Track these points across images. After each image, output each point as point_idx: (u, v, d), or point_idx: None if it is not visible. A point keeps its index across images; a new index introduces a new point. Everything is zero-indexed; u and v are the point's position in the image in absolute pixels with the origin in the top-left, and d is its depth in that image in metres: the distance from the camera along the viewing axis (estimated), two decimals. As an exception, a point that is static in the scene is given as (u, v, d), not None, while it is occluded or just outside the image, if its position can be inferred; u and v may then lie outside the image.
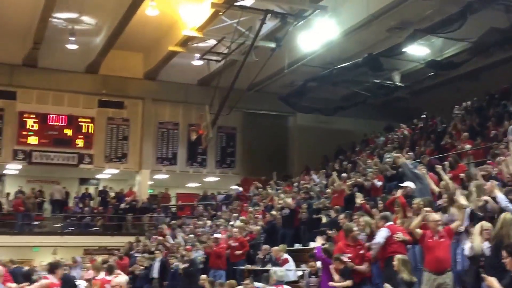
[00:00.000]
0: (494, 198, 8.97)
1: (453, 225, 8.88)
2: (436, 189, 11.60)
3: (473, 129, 17.28)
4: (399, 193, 11.12)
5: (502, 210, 8.47)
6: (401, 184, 11.79)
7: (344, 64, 20.16)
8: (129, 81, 26.66)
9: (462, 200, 8.98)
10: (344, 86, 23.08)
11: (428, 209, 9.08)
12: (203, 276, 13.53)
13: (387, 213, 10.50)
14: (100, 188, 28.13)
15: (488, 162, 13.05)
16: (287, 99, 24.40)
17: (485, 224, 8.13)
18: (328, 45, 19.09)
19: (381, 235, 9.60)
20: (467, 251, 8.18)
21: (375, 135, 23.93)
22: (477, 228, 8.17)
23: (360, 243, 10.39)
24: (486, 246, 7.84)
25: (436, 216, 8.93)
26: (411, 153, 16.51)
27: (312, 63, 20.94)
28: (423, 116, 22.80)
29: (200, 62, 22.95)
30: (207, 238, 16.89)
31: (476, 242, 7.96)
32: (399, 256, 8.82)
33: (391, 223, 9.85)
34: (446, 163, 13.76)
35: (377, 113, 27.10)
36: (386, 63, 20.31)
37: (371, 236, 10.49)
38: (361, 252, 10.21)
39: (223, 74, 21.74)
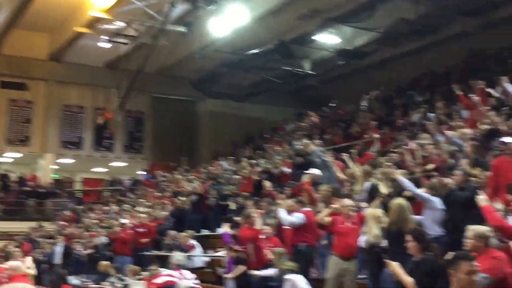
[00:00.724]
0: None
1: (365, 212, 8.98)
2: (342, 176, 11.73)
3: (380, 119, 17.66)
4: (305, 180, 11.17)
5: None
6: (306, 171, 11.85)
7: (255, 51, 20.10)
8: (33, 62, 25.51)
9: (382, 188, 9.09)
10: (255, 73, 23.04)
11: (336, 206, 9.17)
12: (104, 263, 13.22)
13: (302, 198, 10.51)
14: (1, 172, 26.88)
15: (392, 150, 13.37)
16: (197, 84, 24.17)
17: (377, 212, 8.23)
18: (239, 30, 18.98)
19: (298, 216, 9.54)
20: (363, 243, 8.25)
21: (285, 122, 24.08)
22: (370, 217, 8.22)
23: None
24: (381, 234, 7.93)
25: (349, 201, 9.01)
26: (319, 141, 16.66)
27: (223, 48, 20.75)
28: (332, 104, 23.12)
29: (108, 45, 22.28)
30: (112, 224, 16.44)
31: (373, 232, 8.03)
32: (275, 249, 9.06)
33: (308, 209, 9.84)
34: (354, 151, 13.97)
35: (288, 101, 27.24)
36: (297, 51, 20.44)
37: (279, 227, 10.52)
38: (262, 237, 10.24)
39: (131, 57, 21.24)
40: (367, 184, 9.74)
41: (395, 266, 6.22)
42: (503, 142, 8.75)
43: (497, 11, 17.16)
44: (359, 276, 8.74)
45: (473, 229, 5.80)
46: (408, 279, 5.94)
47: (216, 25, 19.14)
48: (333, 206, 9.19)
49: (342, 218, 8.84)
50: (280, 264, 8.81)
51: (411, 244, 6.20)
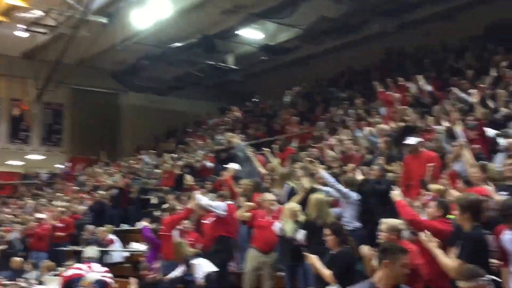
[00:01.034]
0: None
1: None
2: (263, 171, 11.82)
3: (302, 114, 17.91)
4: (226, 174, 11.22)
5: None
6: (225, 166, 11.89)
7: (178, 44, 19.92)
8: None
9: (305, 183, 9.21)
10: (178, 66, 22.85)
11: (252, 204, 9.23)
12: (17, 259, 12.85)
13: (224, 192, 10.54)
14: None
15: (312, 145, 13.62)
16: (119, 77, 23.73)
17: (295, 206, 8.37)
18: (162, 23, 18.78)
19: (221, 206, 9.59)
20: (277, 232, 8.39)
21: (208, 116, 24.03)
22: (287, 211, 8.35)
23: None
24: (298, 228, 8.05)
25: (270, 195, 9.07)
26: (242, 135, 16.73)
27: (146, 41, 20.46)
28: (255, 99, 23.24)
29: (26, 34, 21.55)
30: (28, 219, 15.92)
31: (288, 225, 8.16)
32: (173, 240, 9.31)
33: (231, 202, 9.89)
34: (275, 146, 14.11)
35: (212, 95, 27.19)
36: (221, 45, 20.40)
37: (198, 221, 10.52)
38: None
39: (50, 48, 20.66)
40: (286, 187, 9.85)
41: (313, 259, 6.34)
42: (407, 144, 9.06)
43: (413, 12, 17.73)
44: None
45: (386, 222, 6.00)
46: (326, 272, 6.06)
47: (139, 17, 18.87)
48: (250, 204, 9.26)
49: (262, 212, 8.92)
50: (182, 252, 8.84)
51: (329, 238, 6.33)
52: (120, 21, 19.23)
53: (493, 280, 5.00)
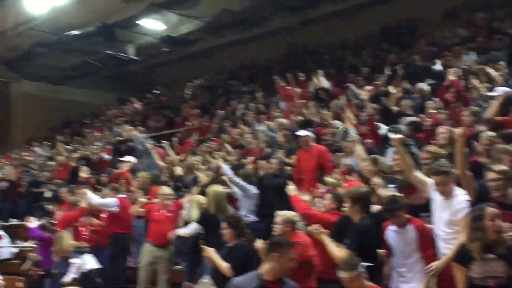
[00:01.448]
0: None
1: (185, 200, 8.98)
2: (162, 164, 11.68)
3: (203, 107, 17.83)
4: (124, 167, 10.99)
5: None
6: (121, 159, 11.64)
7: (75, 32, 19.22)
8: None
9: (202, 176, 9.15)
10: (76, 55, 22.06)
11: (144, 200, 9.07)
12: None
13: (117, 185, 10.31)
14: None
15: (212, 138, 13.60)
16: (11, 64, 22.57)
17: (200, 198, 8.31)
18: (59, 9, 18.05)
19: (112, 202, 9.37)
20: (184, 217, 8.38)
21: (106, 107, 23.45)
22: (193, 203, 8.31)
23: None
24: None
25: (167, 189, 8.94)
26: (142, 128, 16.45)
27: (41, 27, 19.57)
28: (156, 91, 22.91)
29: None
30: None
31: (194, 213, 8.13)
32: (57, 234, 8.96)
33: (123, 195, 9.66)
34: (174, 138, 14.00)
35: (111, 86, 26.52)
36: (121, 35, 19.88)
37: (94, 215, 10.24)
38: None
39: None
40: (191, 177, 9.85)
41: (210, 252, 6.31)
42: (298, 135, 9.23)
43: (314, 9, 18.05)
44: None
45: (281, 215, 6.07)
46: (224, 264, 6.06)
47: (34, 2, 18.06)
48: (144, 200, 9.09)
49: (158, 205, 8.79)
50: (62, 247, 8.59)
51: (226, 231, 6.32)
52: (12, 5, 18.30)
53: (371, 266, 5.18)
